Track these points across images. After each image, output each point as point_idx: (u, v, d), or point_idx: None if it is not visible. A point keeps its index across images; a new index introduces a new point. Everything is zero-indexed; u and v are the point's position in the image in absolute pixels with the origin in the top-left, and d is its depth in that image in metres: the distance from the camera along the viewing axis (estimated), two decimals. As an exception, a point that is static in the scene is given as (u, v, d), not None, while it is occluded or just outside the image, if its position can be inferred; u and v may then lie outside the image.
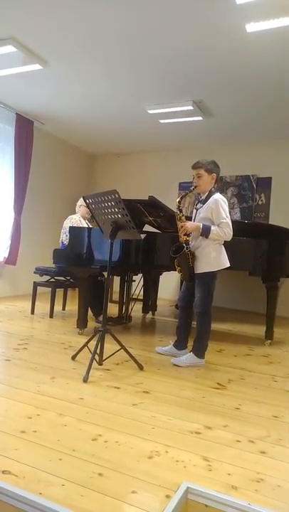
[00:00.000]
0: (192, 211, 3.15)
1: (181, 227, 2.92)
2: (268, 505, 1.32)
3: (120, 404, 2.12)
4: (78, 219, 4.38)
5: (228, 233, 2.84)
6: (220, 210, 2.84)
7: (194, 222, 3.00)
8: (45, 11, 3.17)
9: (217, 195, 2.91)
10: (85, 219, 4.46)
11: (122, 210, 2.60)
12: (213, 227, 2.83)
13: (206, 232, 2.83)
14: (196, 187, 2.97)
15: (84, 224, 4.38)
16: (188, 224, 2.90)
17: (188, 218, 3.13)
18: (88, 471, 1.45)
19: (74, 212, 4.54)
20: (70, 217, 4.44)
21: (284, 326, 4.91)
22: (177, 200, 2.97)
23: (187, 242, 2.93)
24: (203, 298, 2.92)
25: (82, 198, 4.36)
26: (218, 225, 2.84)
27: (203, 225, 2.85)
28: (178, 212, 2.95)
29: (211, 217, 2.88)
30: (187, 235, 2.94)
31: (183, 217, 2.95)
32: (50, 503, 1.21)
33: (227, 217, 2.85)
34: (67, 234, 4.25)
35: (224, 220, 2.83)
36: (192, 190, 3.00)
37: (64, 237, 4.36)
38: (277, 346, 3.80)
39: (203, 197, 2.99)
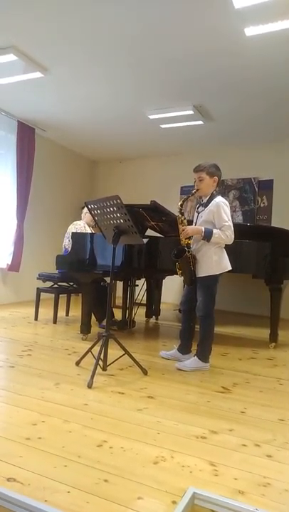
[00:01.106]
0: (194, 215, 3.15)
1: (183, 230, 2.92)
2: (275, 510, 1.31)
3: (125, 410, 2.11)
4: (83, 225, 4.40)
5: (230, 236, 2.84)
6: (222, 213, 2.84)
7: (196, 225, 3.00)
8: (45, 20, 3.20)
9: (219, 199, 2.91)
10: (89, 226, 4.46)
11: (124, 215, 2.60)
12: (215, 231, 2.83)
13: (208, 236, 2.83)
14: (197, 190, 2.97)
15: (88, 230, 4.39)
16: (190, 228, 2.90)
17: (190, 222, 3.13)
18: (94, 477, 1.45)
19: (77, 218, 4.56)
20: (74, 222, 4.46)
21: (288, 328, 4.89)
22: (179, 203, 2.97)
23: (189, 246, 2.93)
24: (206, 301, 2.91)
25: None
26: (220, 228, 2.84)
27: (205, 228, 2.85)
28: (180, 215, 2.95)
29: (212, 220, 2.88)
30: (188, 238, 2.94)
31: (184, 221, 2.95)
32: (56, 510, 1.21)
33: (229, 220, 2.85)
34: (70, 239, 4.25)
35: (226, 223, 2.83)
36: (194, 194, 3.00)
37: (67, 242, 4.37)
38: (281, 349, 3.78)
39: (205, 200, 2.99)
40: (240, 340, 4.13)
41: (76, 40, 3.50)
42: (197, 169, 2.96)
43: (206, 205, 2.96)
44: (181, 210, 2.95)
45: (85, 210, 4.49)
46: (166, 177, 6.91)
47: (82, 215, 4.55)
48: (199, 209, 3.04)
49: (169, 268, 3.21)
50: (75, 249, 3.67)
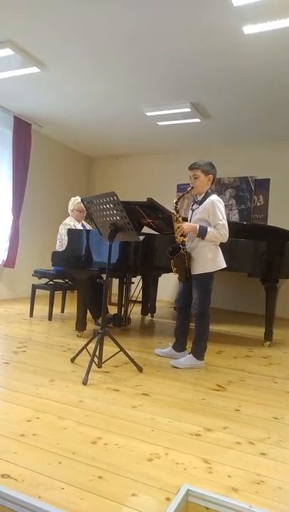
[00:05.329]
0: (188, 212, 3.15)
1: (178, 227, 2.92)
2: (269, 507, 1.31)
3: (120, 407, 2.11)
4: (73, 224, 4.33)
5: (224, 235, 2.85)
6: (216, 212, 2.84)
7: (190, 223, 3.00)
8: (43, 15, 3.17)
9: (213, 197, 2.91)
10: (79, 222, 4.42)
11: (121, 212, 2.60)
12: (209, 229, 2.83)
13: (202, 233, 2.83)
14: (192, 188, 2.98)
15: (79, 227, 4.35)
16: (185, 225, 2.91)
17: (185, 219, 3.13)
18: (88, 474, 1.45)
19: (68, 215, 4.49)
20: (63, 222, 4.37)
21: (283, 327, 4.91)
22: (174, 201, 2.97)
23: (183, 243, 2.93)
24: (201, 299, 2.92)
25: (72, 201, 4.35)
26: (214, 227, 2.84)
27: (199, 226, 2.85)
28: (175, 213, 2.95)
29: (207, 218, 2.88)
30: (183, 235, 2.94)
31: (180, 218, 2.95)
32: (50, 507, 1.20)
33: (223, 218, 2.86)
34: (61, 241, 4.22)
35: (221, 222, 2.83)
36: (189, 191, 3.00)
37: (58, 244, 4.31)
38: (276, 347, 3.79)
39: (200, 198, 3.00)
40: (235, 339, 4.14)
41: (74, 36, 3.47)
42: (192, 167, 2.97)
43: (200, 202, 2.97)
44: (176, 207, 2.95)
45: (71, 207, 4.39)
46: (162, 174, 6.90)
47: (69, 211, 4.45)
48: (194, 207, 3.05)
49: (164, 265, 3.21)
50: (71, 246, 3.66)
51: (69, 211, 4.47)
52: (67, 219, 4.42)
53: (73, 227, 4.27)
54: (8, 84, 4.54)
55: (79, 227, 4.37)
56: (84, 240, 3.60)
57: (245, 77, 4.00)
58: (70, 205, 4.43)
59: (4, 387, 2.29)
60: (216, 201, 2.88)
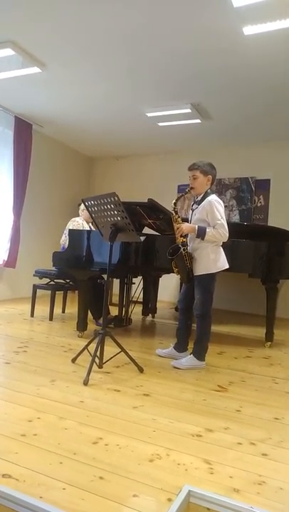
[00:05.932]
0: (189, 213, 3.16)
1: (177, 228, 2.92)
2: (270, 508, 1.31)
3: (121, 407, 2.11)
4: (81, 222, 4.42)
5: (223, 234, 2.84)
6: (214, 212, 2.85)
7: (190, 223, 3.01)
8: (43, 15, 3.18)
9: (212, 197, 2.92)
10: (87, 222, 4.47)
11: (122, 212, 2.60)
12: (208, 229, 2.83)
13: (201, 234, 2.84)
14: (191, 188, 2.99)
15: (86, 227, 4.40)
16: (184, 225, 2.91)
17: (185, 219, 3.13)
18: (89, 474, 1.45)
19: (74, 215, 4.56)
20: (72, 219, 4.48)
21: (284, 327, 4.91)
22: (173, 202, 2.97)
23: (184, 244, 2.93)
24: (203, 300, 2.92)
25: None
26: (213, 227, 2.84)
27: (198, 226, 2.86)
28: (173, 213, 2.95)
29: (206, 218, 2.89)
30: (183, 236, 2.94)
31: (179, 219, 2.95)
32: (51, 507, 1.20)
33: (222, 218, 2.85)
34: (66, 235, 4.27)
35: (219, 221, 2.83)
36: (188, 192, 3.01)
37: (63, 238, 4.38)
38: (277, 348, 3.79)
39: (199, 198, 3.00)
40: (236, 339, 4.14)
41: (74, 37, 3.47)
42: (191, 168, 2.97)
43: (199, 203, 2.97)
44: (174, 208, 2.95)
45: (82, 207, 4.50)
46: (163, 175, 6.90)
47: (80, 211, 4.56)
48: (194, 207, 3.06)
49: (165, 266, 3.21)
50: (72, 246, 3.66)
51: (80, 211, 4.56)
52: (77, 217, 4.49)
53: (80, 226, 4.33)
54: (8, 85, 4.55)
55: (86, 227, 4.41)
56: (85, 240, 3.60)
57: (246, 77, 4.00)
58: (82, 206, 4.50)
59: (5, 387, 2.29)
60: (213, 201, 2.88)
